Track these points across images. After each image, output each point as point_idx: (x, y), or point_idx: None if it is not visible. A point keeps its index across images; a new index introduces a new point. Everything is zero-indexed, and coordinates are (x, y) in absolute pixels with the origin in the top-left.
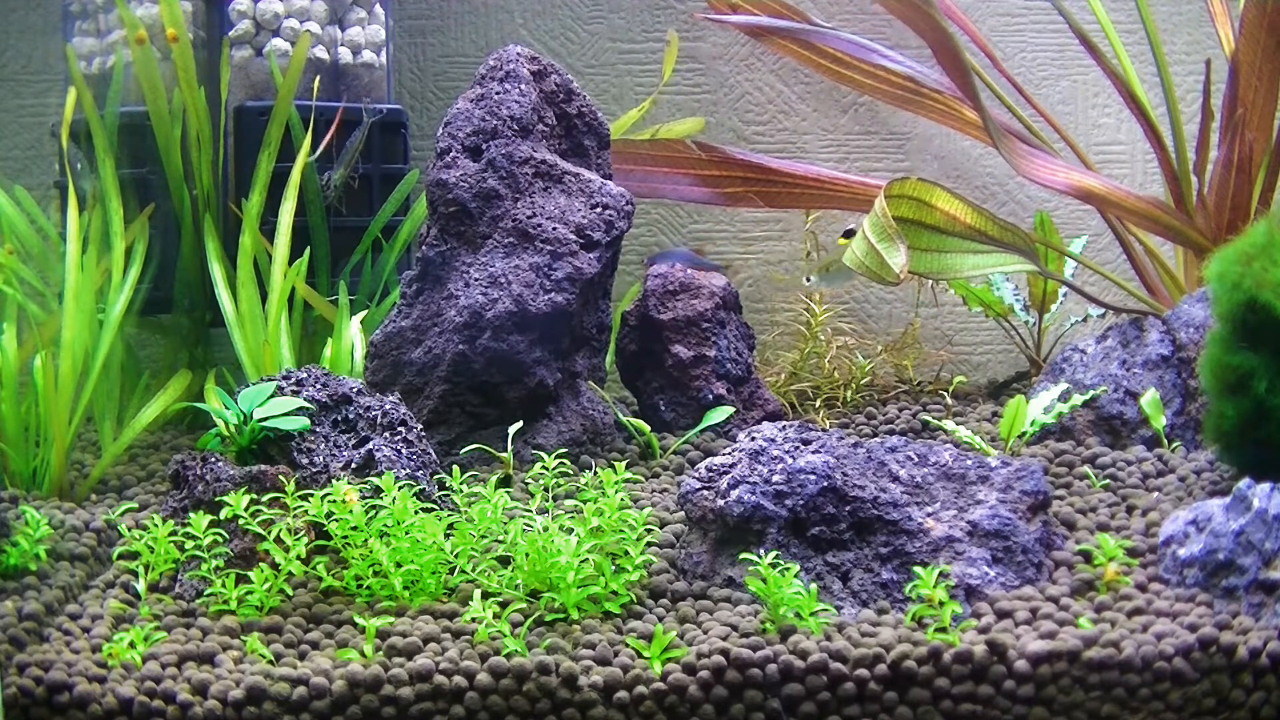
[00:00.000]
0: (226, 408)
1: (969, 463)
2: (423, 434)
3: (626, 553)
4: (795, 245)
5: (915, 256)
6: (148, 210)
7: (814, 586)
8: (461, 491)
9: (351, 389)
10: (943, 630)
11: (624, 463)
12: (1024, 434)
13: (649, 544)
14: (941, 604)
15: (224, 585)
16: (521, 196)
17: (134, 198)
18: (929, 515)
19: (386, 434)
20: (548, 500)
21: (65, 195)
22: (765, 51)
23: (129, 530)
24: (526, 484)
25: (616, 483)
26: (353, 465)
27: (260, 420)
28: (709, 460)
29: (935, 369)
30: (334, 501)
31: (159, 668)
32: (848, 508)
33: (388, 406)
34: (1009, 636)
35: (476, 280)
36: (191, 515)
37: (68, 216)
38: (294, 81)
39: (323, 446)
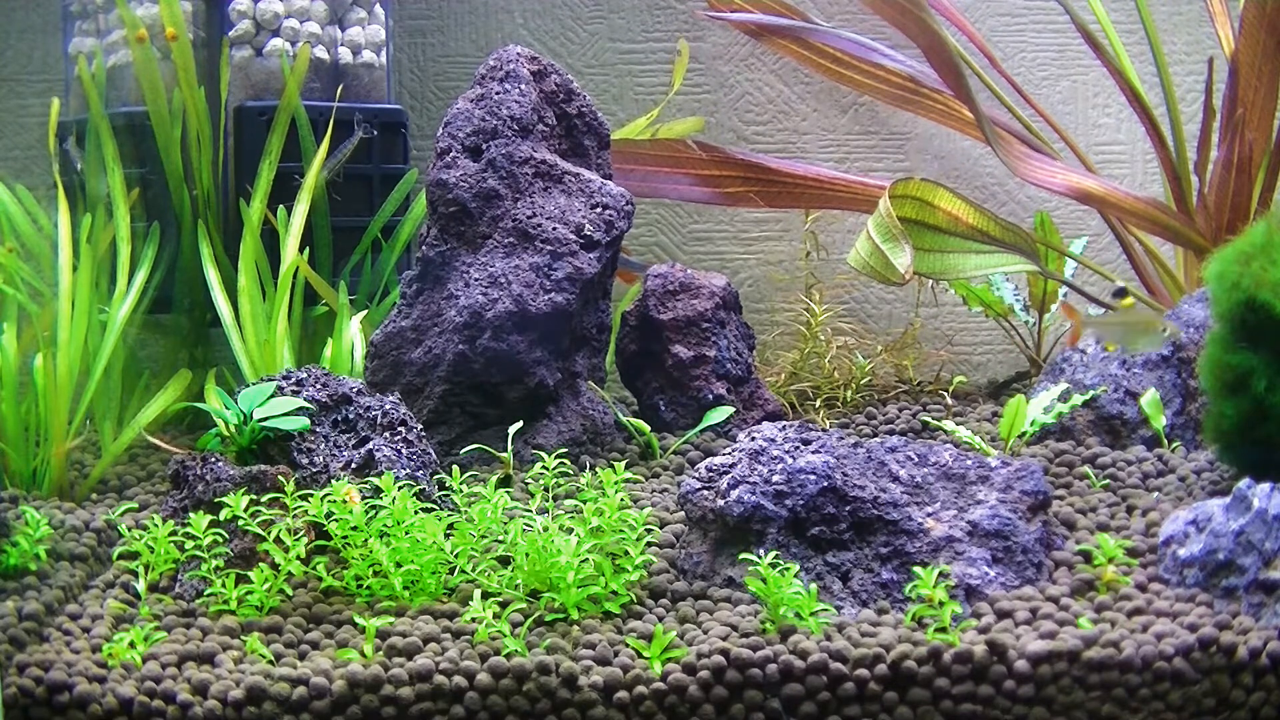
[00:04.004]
0: (227, 408)
1: (969, 463)
2: (423, 434)
3: (626, 553)
4: (795, 245)
5: (918, 256)
6: (133, 194)
7: (814, 586)
8: (461, 491)
9: (351, 389)
10: (943, 630)
11: (624, 463)
12: (1024, 434)
13: (649, 544)
14: (941, 604)
15: (224, 585)
16: (521, 196)
17: (133, 197)
18: (929, 515)
19: (386, 434)
20: (548, 500)
21: (68, 195)
22: (765, 51)
23: (129, 530)
24: (526, 484)
25: (616, 483)
26: (353, 465)
27: (260, 420)
28: (709, 460)
29: (935, 369)
30: (334, 501)
31: (159, 668)
32: (848, 508)
33: (388, 406)
34: (1009, 636)
35: (476, 280)
36: (191, 515)
37: (59, 217)
38: (297, 87)
39: (323, 446)
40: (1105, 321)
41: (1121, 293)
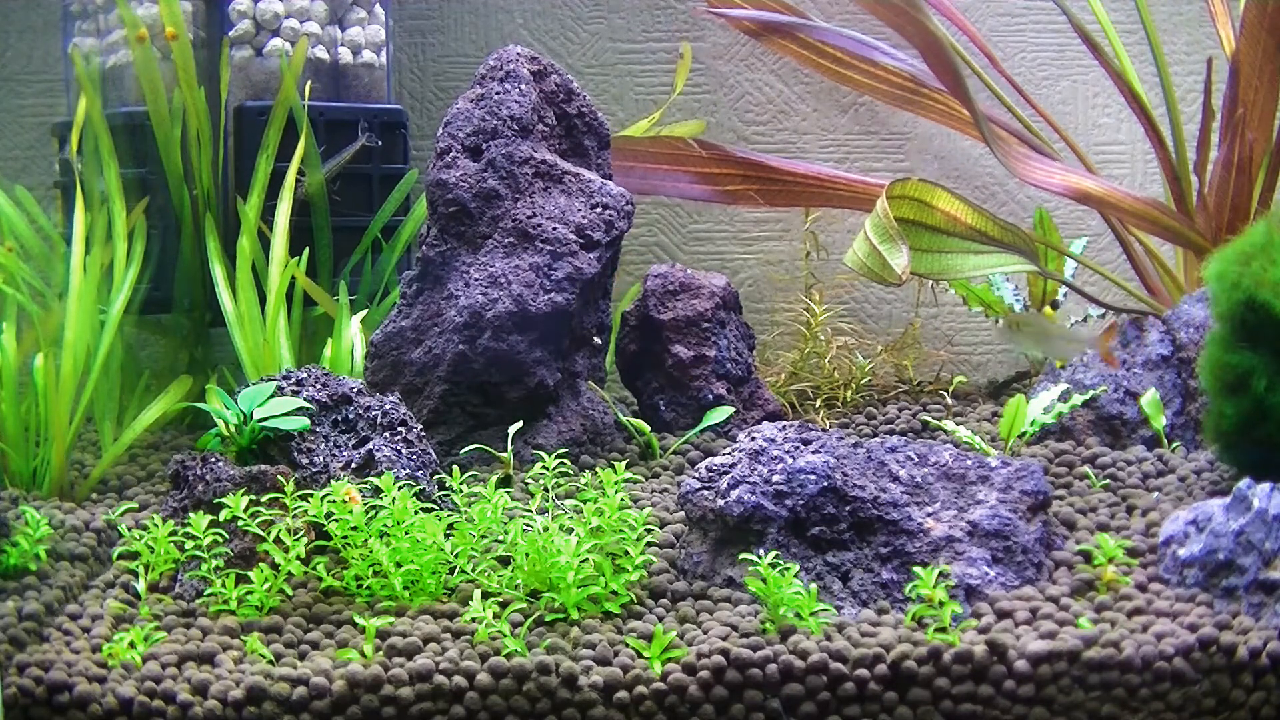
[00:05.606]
0: (227, 408)
1: (969, 463)
2: (423, 434)
3: (626, 553)
4: (795, 245)
5: (916, 257)
6: (140, 205)
7: (814, 586)
8: (461, 491)
9: (351, 389)
10: (943, 630)
11: (624, 463)
12: (1024, 434)
13: (649, 544)
14: (941, 604)
15: (224, 585)
16: (521, 196)
17: (134, 197)
18: (929, 515)
19: (386, 434)
20: (548, 500)
21: (69, 195)
22: (765, 51)
23: (129, 530)
24: (526, 484)
25: (616, 483)
26: (353, 465)
27: (260, 420)
28: (709, 460)
29: (935, 369)
30: (334, 501)
31: (159, 668)
32: (848, 508)
33: (388, 406)
34: (1009, 636)
35: (476, 280)
36: (191, 515)
37: (74, 217)
38: (294, 83)
39: (323, 446)
40: (1025, 320)
41: (1055, 305)
